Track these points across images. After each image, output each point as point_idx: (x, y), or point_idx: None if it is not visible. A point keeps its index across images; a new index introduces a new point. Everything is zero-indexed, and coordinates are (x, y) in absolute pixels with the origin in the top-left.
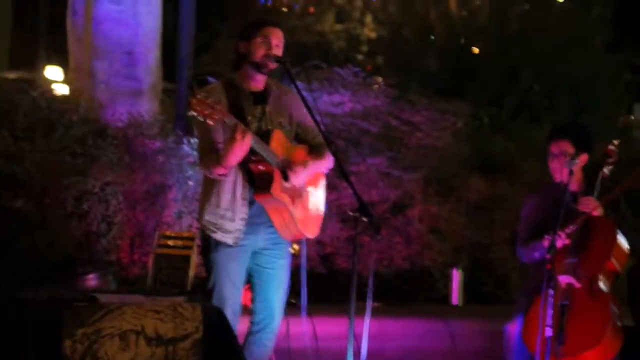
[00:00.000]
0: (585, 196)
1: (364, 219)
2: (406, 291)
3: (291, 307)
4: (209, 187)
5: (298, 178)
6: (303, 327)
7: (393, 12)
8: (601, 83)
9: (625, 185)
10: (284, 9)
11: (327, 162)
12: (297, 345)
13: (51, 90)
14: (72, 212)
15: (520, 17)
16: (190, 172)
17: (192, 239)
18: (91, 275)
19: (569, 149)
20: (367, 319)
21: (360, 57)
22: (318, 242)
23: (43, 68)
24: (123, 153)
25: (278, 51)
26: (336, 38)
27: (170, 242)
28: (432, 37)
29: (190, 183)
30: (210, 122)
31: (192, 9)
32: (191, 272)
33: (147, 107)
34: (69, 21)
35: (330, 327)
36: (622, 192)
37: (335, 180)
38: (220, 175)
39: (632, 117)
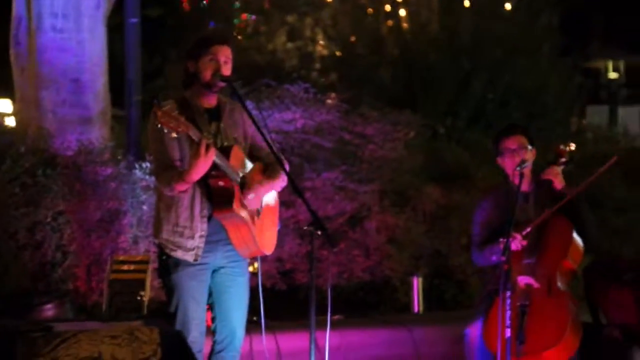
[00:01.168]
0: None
1: (319, 232)
2: (368, 302)
3: (253, 325)
4: (166, 204)
5: (257, 198)
6: (265, 345)
7: (344, 28)
8: (552, 88)
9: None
10: (236, 34)
11: (282, 180)
12: None
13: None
14: (25, 243)
15: (470, 28)
16: (143, 197)
17: (146, 262)
18: (48, 305)
19: (526, 142)
20: (327, 332)
21: (313, 74)
22: (277, 259)
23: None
24: (74, 181)
25: (226, 68)
26: (288, 56)
27: (124, 267)
28: (385, 51)
29: (145, 208)
30: (174, 134)
31: (137, 35)
32: (147, 296)
33: (97, 134)
34: (12, 52)
35: (292, 342)
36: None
37: (292, 197)
38: (180, 191)
39: (584, 121)
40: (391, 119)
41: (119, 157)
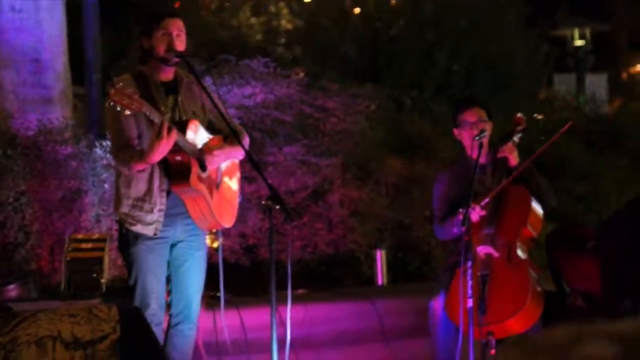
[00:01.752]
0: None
1: (277, 207)
2: (332, 276)
3: (216, 300)
4: (125, 180)
5: (215, 161)
6: (228, 320)
7: (308, 2)
8: (518, 58)
9: (538, 152)
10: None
11: (241, 149)
12: (225, 338)
13: None
14: None
15: None
16: (105, 175)
17: (103, 240)
18: (11, 286)
19: (484, 115)
20: (288, 307)
21: (278, 49)
22: (241, 234)
23: None
24: (35, 161)
25: (180, 42)
26: (253, 32)
27: (82, 245)
28: (349, 24)
29: (106, 186)
30: (128, 112)
31: (96, 14)
32: (105, 274)
33: (59, 114)
34: None
35: (256, 317)
36: (537, 157)
37: (254, 172)
38: (139, 171)
39: (551, 90)
40: (352, 92)
41: (80, 136)
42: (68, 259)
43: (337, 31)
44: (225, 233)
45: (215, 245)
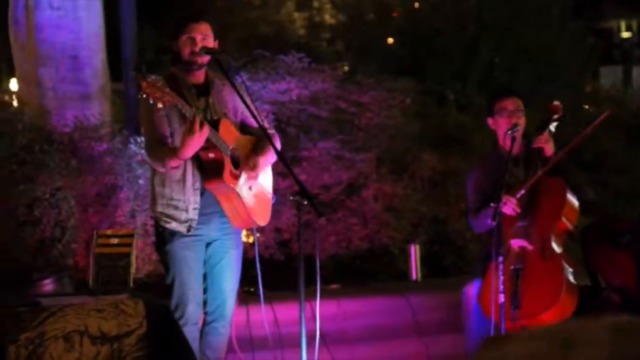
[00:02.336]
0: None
1: (305, 202)
2: (367, 271)
3: (250, 295)
4: (159, 179)
5: (250, 180)
6: (263, 315)
7: None
8: (562, 50)
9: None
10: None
11: (272, 155)
12: (259, 333)
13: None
14: (24, 219)
15: None
16: (139, 171)
17: (131, 235)
18: (47, 281)
19: (522, 105)
20: (317, 301)
21: (321, 44)
22: (275, 229)
23: (7, 81)
24: (70, 157)
25: (206, 44)
26: (295, 27)
27: (110, 241)
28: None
29: (141, 182)
30: (160, 105)
31: (132, 11)
32: (132, 269)
33: (97, 110)
34: (11, 31)
35: (289, 312)
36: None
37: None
38: (173, 168)
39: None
40: (387, 87)
41: (115, 132)
42: (96, 254)
43: (379, 25)
44: (260, 228)
45: (250, 240)
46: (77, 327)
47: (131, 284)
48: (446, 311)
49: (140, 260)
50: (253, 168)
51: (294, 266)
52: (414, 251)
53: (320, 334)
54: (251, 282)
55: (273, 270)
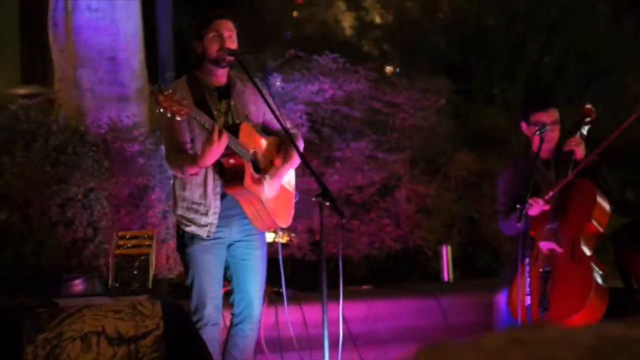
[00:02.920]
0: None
1: (327, 203)
2: (400, 272)
3: (279, 296)
4: (180, 181)
5: (274, 185)
6: (291, 316)
7: None
8: (613, 48)
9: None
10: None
11: (295, 159)
12: (287, 334)
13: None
14: (57, 220)
15: None
16: (171, 172)
17: (151, 237)
18: (77, 281)
19: (558, 116)
20: (340, 303)
21: (368, 43)
22: (308, 229)
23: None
24: (103, 158)
25: (231, 42)
26: (342, 27)
27: (129, 242)
28: (439, 16)
29: (172, 182)
30: (178, 118)
31: (169, 12)
32: (151, 270)
33: (135, 111)
34: (51, 33)
35: (319, 313)
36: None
37: (321, 168)
38: (192, 174)
39: None
40: (421, 87)
41: (148, 134)
42: (115, 255)
43: (426, 24)
44: (293, 229)
45: (283, 240)
46: (94, 328)
47: (150, 285)
48: (477, 313)
49: (172, 260)
50: (274, 175)
51: (326, 267)
52: (446, 252)
53: (351, 335)
54: (280, 282)
55: (305, 271)
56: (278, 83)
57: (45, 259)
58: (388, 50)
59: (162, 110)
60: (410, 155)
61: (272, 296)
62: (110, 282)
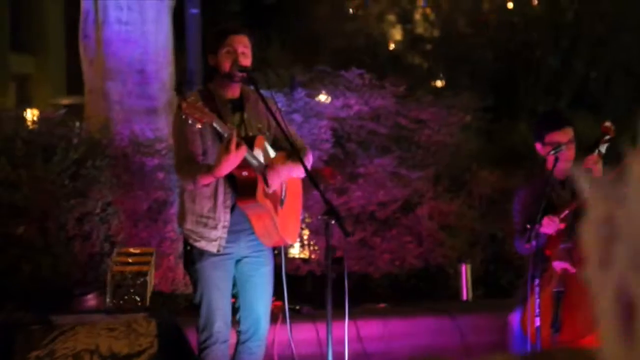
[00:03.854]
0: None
1: (333, 222)
2: (421, 290)
3: (294, 313)
4: (189, 195)
5: (277, 177)
6: (305, 333)
7: (445, 9)
8: None
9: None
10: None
11: (305, 166)
12: (301, 352)
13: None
14: (74, 234)
15: (574, 4)
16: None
17: (150, 254)
18: (89, 296)
19: (573, 134)
20: (346, 322)
21: (414, 57)
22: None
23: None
24: (122, 172)
25: (244, 58)
26: (390, 40)
27: (128, 259)
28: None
29: (181, 196)
30: (199, 125)
31: (197, 25)
32: (150, 287)
33: (164, 124)
34: (81, 45)
35: (334, 331)
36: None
37: (345, 184)
38: (204, 185)
39: None
40: (446, 103)
41: (169, 147)
42: (114, 272)
43: (473, 39)
44: (315, 245)
45: (303, 255)
46: (87, 346)
47: (148, 303)
48: (495, 333)
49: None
50: (273, 168)
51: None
52: (465, 271)
53: (366, 354)
54: (296, 299)
55: (324, 288)
56: (324, 98)
57: (62, 273)
58: (432, 65)
59: (184, 117)
60: (435, 172)
61: (292, 313)
62: (107, 299)
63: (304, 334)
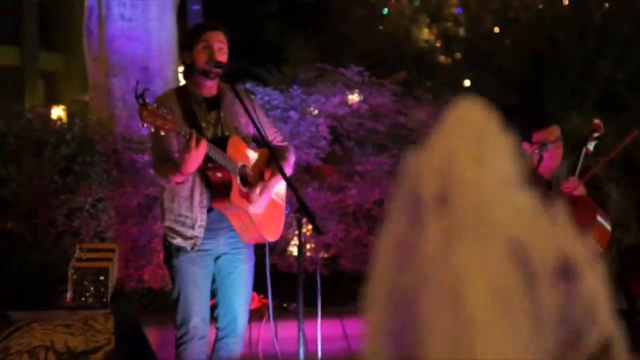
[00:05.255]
0: (566, 173)
1: (304, 220)
2: None
3: (282, 310)
4: (168, 194)
5: (262, 200)
6: (288, 332)
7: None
8: None
9: (603, 162)
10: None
11: (287, 170)
12: (286, 349)
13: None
14: (63, 230)
15: (601, 5)
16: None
17: (112, 250)
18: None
19: (560, 133)
20: (318, 321)
21: (440, 56)
22: (323, 244)
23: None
24: (112, 168)
25: (221, 54)
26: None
27: (90, 255)
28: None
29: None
30: (162, 132)
31: (199, 21)
32: (111, 284)
33: None
34: (85, 41)
35: (314, 329)
36: (602, 168)
37: (341, 182)
38: (177, 183)
39: None
40: (445, 101)
41: None
42: (75, 267)
43: (498, 38)
44: (310, 241)
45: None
46: (42, 343)
47: (108, 299)
48: None
49: None
50: (263, 189)
51: (339, 282)
52: None
53: (351, 352)
54: (283, 296)
55: (316, 286)
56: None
57: (50, 268)
58: (459, 65)
59: (145, 125)
60: None
61: (280, 311)
62: (69, 295)
63: (292, 331)
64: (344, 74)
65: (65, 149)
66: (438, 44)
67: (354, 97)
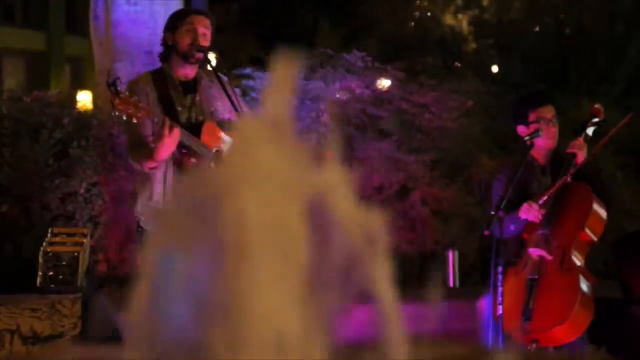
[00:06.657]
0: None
1: None
2: (417, 276)
3: None
4: (142, 178)
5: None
6: None
7: None
8: None
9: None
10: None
11: None
12: None
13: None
14: (57, 214)
15: None
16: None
17: (84, 235)
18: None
19: (555, 112)
20: None
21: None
22: None
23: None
24: (107, 153)
25: (204, 39)
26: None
27: (62, 239)
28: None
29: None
30: (134, 120)
31: (203, 6)
32: (81, 268)
33: None
34: (91, 25)
35: None
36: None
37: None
38: (151, 168)
39: None
40: (449, 88)
41: None
42: (46, 252)
43: (525, 24)
44: None
45: None
46: (8, 326)
47: (79, 283)
48: (478, 320)
49: None
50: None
51: None
52: (452, 257)
53: (355, 340)
54: None
55: None
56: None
57: None
58: (482, 50)
59: (117, 114)
60: (433, 158)
61: None
62: (39, 278)
63: None
64: (346, 58)
65: (60, 132)
66: (466, 30)
67: (382, 83)
